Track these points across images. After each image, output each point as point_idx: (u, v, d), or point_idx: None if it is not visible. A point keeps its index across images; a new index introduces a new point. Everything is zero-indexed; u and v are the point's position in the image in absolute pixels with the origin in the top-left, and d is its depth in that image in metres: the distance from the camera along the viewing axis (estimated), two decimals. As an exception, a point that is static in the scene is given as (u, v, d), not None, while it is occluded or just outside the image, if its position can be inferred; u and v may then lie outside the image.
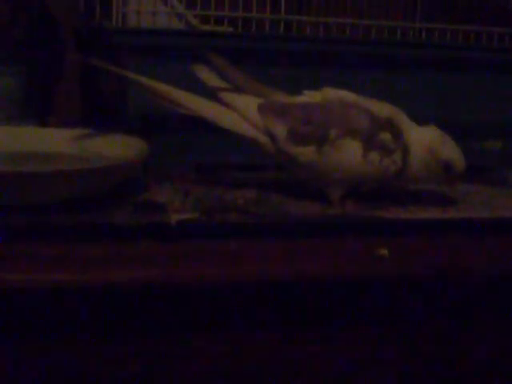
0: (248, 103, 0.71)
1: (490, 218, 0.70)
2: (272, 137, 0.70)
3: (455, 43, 0.88)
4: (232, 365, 0.61)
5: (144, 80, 0.72)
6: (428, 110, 0.86)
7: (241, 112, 0.71)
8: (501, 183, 0.83)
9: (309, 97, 0.72)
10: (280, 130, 0.70)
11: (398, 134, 0.70)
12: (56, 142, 0.77)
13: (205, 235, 0.63)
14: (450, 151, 0.70)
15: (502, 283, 0.65)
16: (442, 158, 0.70)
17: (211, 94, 0.72)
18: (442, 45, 0.87)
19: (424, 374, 0.65)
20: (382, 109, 0.70)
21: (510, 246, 0.67)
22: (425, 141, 0.70)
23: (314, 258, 0.62)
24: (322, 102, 0.70)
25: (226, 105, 0.71)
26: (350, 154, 0.69)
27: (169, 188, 0.73)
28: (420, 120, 0.73)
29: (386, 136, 0.69)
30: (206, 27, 0.81)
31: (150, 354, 0.59)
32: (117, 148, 0.72)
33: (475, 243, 0.67)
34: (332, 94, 0.71)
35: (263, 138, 0.71)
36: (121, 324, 0.59)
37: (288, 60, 0.80)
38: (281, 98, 0.72)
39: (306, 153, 0.69)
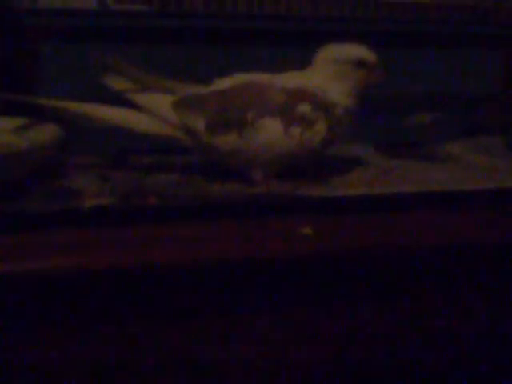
0: (160, 102, 0.69)
1: (417, 192, 0.69)
2: (191, 132, 0.68)
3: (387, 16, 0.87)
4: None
5: (53, 103, 0.69)
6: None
7: (153, 111, 0.69)
8: (428, 158, 0.81)
9: (220, 85, 0.70)
10: (198, 123, 0.68)
11: (314, 100, 0.68)
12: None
13: (122, 221, 0.61)
14: (354, 50, 0.69)
15: (431, 257, 0.64)
16: (350, 59, 0.69)
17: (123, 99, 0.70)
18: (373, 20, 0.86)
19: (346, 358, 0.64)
20: (294, 80, 0.69)
21: (436, 218, 0.66)
22: (331, 64, 0.69)
23: (237, 239, 0.60)
24: (234, 88, 0.69)
25: (138, 107, 0.69)
26: (270, 133, 0.67)
27: (87, 174, 0.70)
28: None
29: (304, 108, 0.68)
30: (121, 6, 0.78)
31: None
32: (29, 134, 0.69)
33: (402, 218, 0.65)
34: (242, 77, 0.70)
35: (181, 135, 0.69)
36: (31, 312, 0.56)
37: (206, 38, 0.78)
38: (192, 90, 0.70)
39: (226, 140, 0.67)
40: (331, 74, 0.69)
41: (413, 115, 0.88)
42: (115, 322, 0.58)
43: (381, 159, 0.80)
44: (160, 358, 0.59)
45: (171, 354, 0.59)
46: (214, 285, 0.59)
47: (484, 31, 0.89)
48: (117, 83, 0.69)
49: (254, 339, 0.61)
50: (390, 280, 0.63)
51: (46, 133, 0.67)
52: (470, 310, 0.65)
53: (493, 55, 0.89)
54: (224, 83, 0.70)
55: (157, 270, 0.57)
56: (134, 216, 0.61)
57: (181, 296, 0.59)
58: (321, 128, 0.68)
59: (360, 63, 0.69)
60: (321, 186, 0.69)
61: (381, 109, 0.87)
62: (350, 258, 0.62)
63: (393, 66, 0.84)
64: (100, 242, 0.58)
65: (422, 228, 0.64)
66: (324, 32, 0.83)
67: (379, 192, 0.68)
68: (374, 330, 0.64)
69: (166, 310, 0.59)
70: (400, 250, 0.63)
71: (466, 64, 0.89)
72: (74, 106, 0.69)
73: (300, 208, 0.65)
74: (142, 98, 0.69)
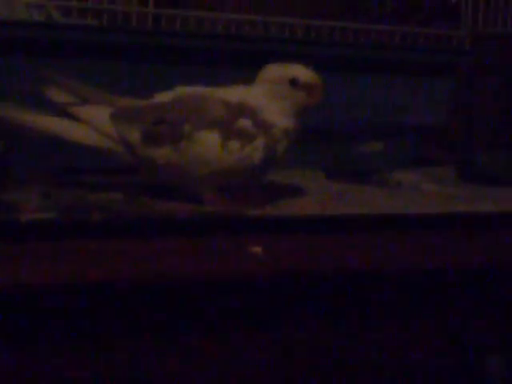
0: (98, 113, 0.67)
1: (369, 215, 0.67)
2: (126, 144, 0.66)
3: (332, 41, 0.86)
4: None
5: None
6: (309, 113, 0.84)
7: (92, 123, 0.67)
8: (379, 184, 0.80)
9: (160, 97, 0.68)
10: (134, 135, 0.66)
11: (254, 116, 0.66)
12: None
13: (63, 235, 0.58)
14: (291, 70, 0.67)
15: (380, 280, 0.62)
16: (286, 78, 0.66)
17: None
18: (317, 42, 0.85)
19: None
20: (235, 94, 0.67)
21: (387, 242, 0.64)
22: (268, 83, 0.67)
23: (181, 258, 0.57)
24: (172, 100, 0.67)
25: (77, 118, 0.67)
26: (208, 147, 0.65)
27: (29, 189, 0.67)
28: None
29: (244, 123, 0.66)
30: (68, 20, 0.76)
31: None
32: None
33: (352, 240, 0.64)
34: (184, 90, 0.68)
35: (118, 147, 0.67)
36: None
37: (155, 55, 0.75)
38: (132, 103, 0.68)
39: (162, 153, 0.65)
40: (269, 92, 0.67)
41: (363, 143, 0.87)
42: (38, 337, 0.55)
43: (332, 185, 0.79)
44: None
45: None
46: (154, 302, 0.57)
47: (433, 59, 0.88)
48: (57, 96, 0.67)
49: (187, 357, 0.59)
50: (340, 301, 0.62)
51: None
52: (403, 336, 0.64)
53: (441, 83, 0.89)
54: (165, 96, 0.68)
55: (94, 286, 0.54)
56: (74, 231, 0.59)
57: (120, 312, 0.56)
58: (260, 144, 0.66)
59: (295, 83, 0.67)
60: (271, 207, 0.67)
61: (328, 136, 0.86)
62: (301, 279, 0.60)
63: (342, 91, 0.85)
64: (36, 255, 0.55)
65: (371, 251, 0.63)
66: (271, 52, 0.81)
67: (332, 214, 0.67)
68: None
69: (101, 328, 0.56)
70: (351, 272, 0.61)
71: (415, 91, 0.88)
72: (11, 114, 0.67)
73: (250, 227, 0.63)
74: (81, 111, 0.67)
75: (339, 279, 0.61)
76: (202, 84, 0.68)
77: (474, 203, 0.73)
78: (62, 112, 0.67)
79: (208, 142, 0.65)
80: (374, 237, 0.65)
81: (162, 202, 0.67)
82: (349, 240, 0.64)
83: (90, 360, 0.56)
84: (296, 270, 0.59)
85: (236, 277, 0.58)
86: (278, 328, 0.60)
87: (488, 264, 0.65)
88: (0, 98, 0.69)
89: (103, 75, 0.73)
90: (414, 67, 0.87)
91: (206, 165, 0.65)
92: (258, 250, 0.59)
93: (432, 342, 0.65)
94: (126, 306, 0.56)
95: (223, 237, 0.61)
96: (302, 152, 0.83)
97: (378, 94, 0.87)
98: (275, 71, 0.67)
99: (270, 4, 0.92)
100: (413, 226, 0.67)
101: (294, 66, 0.67)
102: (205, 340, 0.58)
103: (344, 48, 0.85)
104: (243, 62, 0.78)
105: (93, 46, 0.74)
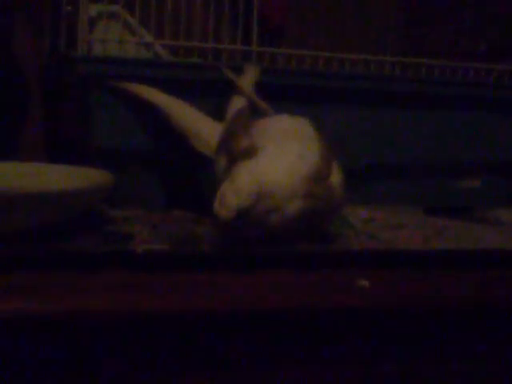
0: None
1: (474, 250, 0.67)
2: None
3: (429, 78, 0.86)
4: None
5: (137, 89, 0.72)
6: (405, 148, 0.84)
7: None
8: (480, 221, 0.80)
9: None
10: None
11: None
12: (15, 176, 0.72)
13: (174, 266, 0.59)
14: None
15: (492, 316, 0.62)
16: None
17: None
18: (414, 80, 0.85)
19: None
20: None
21: (494, 278, 0.64)
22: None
23: (289, 291, 0.58)
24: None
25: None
26: None
27: (136, 221, 0.69)
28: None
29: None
30: (176, 58, 0.78)
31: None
32: (81, 181, 0.68)
33: (455, 275, 0.63)
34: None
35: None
36: (88, 355, 0.54)
37: (261, 92, 0.77)
38: None
39: None
40: None
41: (461, 179, 0.87)
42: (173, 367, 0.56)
43: (432, 220, 0.79)
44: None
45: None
46: (272, 330, 0.57)
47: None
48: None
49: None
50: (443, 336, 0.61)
51: (98, 179, 0.66)
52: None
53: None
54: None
55: (207, 317, 0.56)
56: (185, 262, 0.60)
57: (232, 344, 0.57)
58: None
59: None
60: (372, 241, 0.67)
61: (425, 172, 0.86)
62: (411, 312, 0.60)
63: (439, 128, 0.85)
64: (152, 285, 0.56)
65: (483, 285, 0.62)
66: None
67: (437, 248, 0.66)
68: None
69: (216, 358, 0.57)
70: (457, 307, 0.61)
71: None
72: (160, 99, 0.71)
73: (356, 261, 0.63)
74: None
75: (446, 314, 0.61)
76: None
77: None
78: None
79: None
80: (483, 272, 0.64)
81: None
82: (455, 274, 0.64)
83: None
84: (404, 303, 0.60)
85: (344, 309, 0.58)
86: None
87: None
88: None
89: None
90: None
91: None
92: (365, 283, 0.59)
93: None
94: (242, 337, 0.57)
95: (331, 270, 0.62)
96: (400, 188, 0.84)
97: (472, 130, 0.87)
98: None
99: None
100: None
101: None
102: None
103: (441, 85, 0.85)
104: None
105: (198, 83, 0.76)
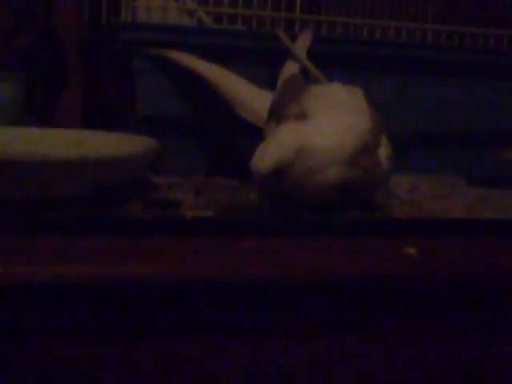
0: None
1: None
2: None
3: (473, 47, 0.86)
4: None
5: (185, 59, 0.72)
6: (449, 118, 0.84)
7: None
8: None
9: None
10: None
11: None
12: (60, 143, 0.72)
13: (218, 232, 0.59)
14: None
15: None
16: None
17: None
18: (457, 48, 0.85)
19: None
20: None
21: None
22: None
23: (333, 256, 0.58)
24: None
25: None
26: None
27: (180, 188, 0.70)
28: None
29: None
30: (219, 25, 0.78)
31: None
32: (126, 147, 0.68)
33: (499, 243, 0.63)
34: None
35: None
36: (130, 321, 0.55)
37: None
38: None
39: None
40: None
41: (503, 149, 0.86)
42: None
43: (474, 190, 0.79)
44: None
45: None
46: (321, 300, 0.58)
47: None
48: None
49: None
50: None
51: (144, 145, 0.67)
52: None
53: None
54: None
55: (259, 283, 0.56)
56: (232, 228, 0.60)
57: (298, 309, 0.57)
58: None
59: None
60: (415, 210, 0.67)
61: (467, 142, 0.86)
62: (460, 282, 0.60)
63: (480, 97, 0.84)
64: (205, 250, 0.56)
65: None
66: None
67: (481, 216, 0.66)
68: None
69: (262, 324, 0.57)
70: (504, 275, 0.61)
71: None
72: (205, 67, 0.72)
73: (401, 229, 0.63)
74: None
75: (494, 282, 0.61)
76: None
77: None
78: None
79: None
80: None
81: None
82: (499, 243, 0.64)
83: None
84: (450, 271, 0.60)
85: (393, 277, 0.58)
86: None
87: None
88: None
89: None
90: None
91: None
92: (412, 250, 0.59)
93: None
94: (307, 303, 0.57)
95: (376, 237, 0.62)
96: (442, 158, 0.84)
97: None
98: None
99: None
100: None
101: None
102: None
103: (486, 54, 0.85)
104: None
105: (242, 51, 0.75)
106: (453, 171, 0.83)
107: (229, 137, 0.78)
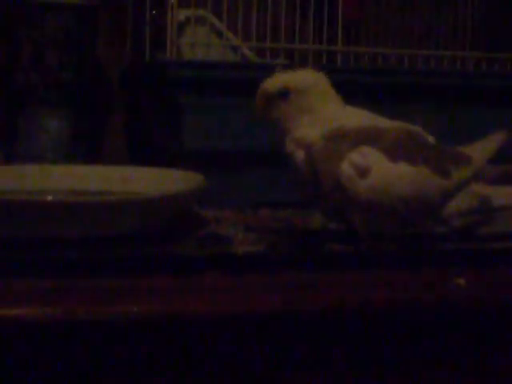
0: None
1: None
2: None
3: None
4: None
5: None
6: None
7: None
8: None
9: None
10: None
11: None
12: (107, 180, 0.74)
13: (269, 267, 0.60)
14: None
15: None
16: None
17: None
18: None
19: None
20: None
21: None
22: None
23: (384, 289, 0.59)
24: None
25: None
26: None
27: (228, 223, 0.70)
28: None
29: None
30: (262, 60, 0.79)
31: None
32: (172, 184, 0.69)
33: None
34: None
35: None
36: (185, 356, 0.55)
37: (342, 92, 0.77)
38: None
39: None
40: None
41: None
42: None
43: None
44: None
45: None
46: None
47: None
48: None
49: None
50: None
51: (190, 182, 0.67)
52: None
53: None
54: None
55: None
56: (282, 263, 0.61)
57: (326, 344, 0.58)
58: None
59: None
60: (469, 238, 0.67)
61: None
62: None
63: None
64: (250, 287, 0.57)
65: None
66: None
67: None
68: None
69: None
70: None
71: None
72: None
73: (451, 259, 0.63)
74: None
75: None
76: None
77: None
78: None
79: None
80: None
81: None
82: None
83: None
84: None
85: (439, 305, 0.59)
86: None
87: None
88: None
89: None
90: None
91: None
92: (462, 281, 0.60)
93: None
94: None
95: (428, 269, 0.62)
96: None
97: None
98: None
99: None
100: None
101: None
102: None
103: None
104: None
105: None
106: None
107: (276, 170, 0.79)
